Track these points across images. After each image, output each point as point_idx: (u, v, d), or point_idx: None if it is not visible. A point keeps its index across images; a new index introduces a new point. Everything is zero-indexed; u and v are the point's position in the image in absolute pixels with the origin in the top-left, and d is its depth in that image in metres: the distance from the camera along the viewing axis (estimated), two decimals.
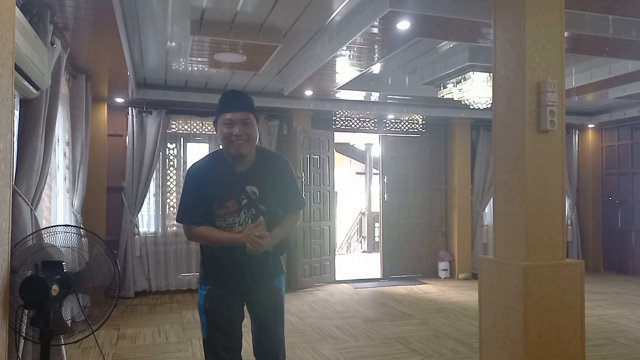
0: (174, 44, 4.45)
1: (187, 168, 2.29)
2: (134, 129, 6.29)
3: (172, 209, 6.61)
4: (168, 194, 6.60)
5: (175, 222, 6.59)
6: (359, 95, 6.40)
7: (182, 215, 2.19)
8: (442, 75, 5.12)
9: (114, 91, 5.69)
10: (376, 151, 9.87)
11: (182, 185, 6.55)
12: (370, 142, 11.30)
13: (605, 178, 8.30)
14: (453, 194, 7.75)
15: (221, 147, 2.23)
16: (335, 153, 7.99)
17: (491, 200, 6.88)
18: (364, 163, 12.25)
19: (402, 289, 6.83)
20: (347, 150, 12.41)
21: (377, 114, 7.29)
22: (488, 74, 4.83)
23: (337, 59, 4.53)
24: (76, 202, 4.67)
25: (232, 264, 2.17)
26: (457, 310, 5.53)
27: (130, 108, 6.29)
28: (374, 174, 11.23)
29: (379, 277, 7.58)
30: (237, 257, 2.14)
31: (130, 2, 3.50)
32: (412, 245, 7.72)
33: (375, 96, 6.41)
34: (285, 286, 2.42)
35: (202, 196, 2.14)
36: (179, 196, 6.44)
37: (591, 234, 8.26)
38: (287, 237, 2.25)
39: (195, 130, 6.71)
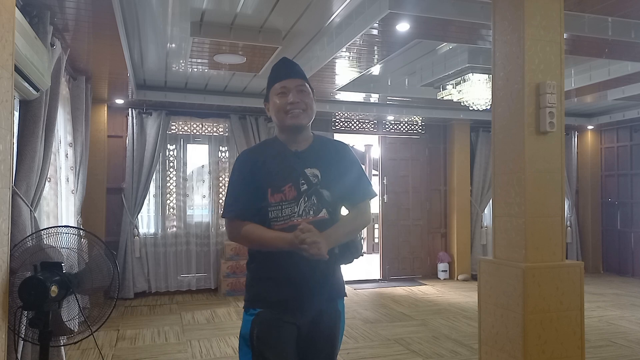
0: (173, 45, 4.45)
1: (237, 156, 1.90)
2: (134, 130, 6.29)
3: (172, 210, 6.61)
4: (168, 195, 6.61)
5: (174, 224, 6.61)
6: (359, 97, 6.40)
7: (226, 209, 1.78)
8: (442, 76, 5.12)
9: (114, 92, 5.69)
10: (375, 152, 9.87)
11: (182, 186, 6.63)
12: (370, 144, 11.29)
13: (604, 179, 8.31)
14: (452, 195, 7.75)
15: (275, 127, 1.88)
16: None
17: (490, 201, 6.88)
18: (363, 164, 12.24)
19: (401, 290, 6.83)
20: None
21: (376, 116, 7.29)
22: (487, 75, 4.84)
23: (337, 61, 4.54)
24: (76, 203, 4.67)
25: (291, 279, 1.72)
26: (456, 312, 5.53)
27: (130, 109, 6.30)
28: (374, 175, 11.22)
29: (378, 278, 7.58)
30: (301, 269, 1.71)
31: (130, 3, 3.50)
32: (411, 247, 7.72)
33: (374, 98, 6.42)
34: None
35: (251, 184, 1.76)
36: (179, 197, 6.61)
37: (590, 235, 8.27)
38: (355, 238, 1.84)
39: (195, 131, 6.71)
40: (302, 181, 1.76)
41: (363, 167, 1.88)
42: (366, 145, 11.72)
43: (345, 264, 1.87)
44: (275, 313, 1.73)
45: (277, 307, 1.74)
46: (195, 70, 5.19)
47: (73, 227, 2.73)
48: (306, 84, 1.84)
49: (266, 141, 1.94)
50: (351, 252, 1.83)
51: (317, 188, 1.77)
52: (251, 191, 1.76)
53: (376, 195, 1.92)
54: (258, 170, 1.77)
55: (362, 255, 1.88)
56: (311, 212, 1.75)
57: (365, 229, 11.50)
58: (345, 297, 1.89)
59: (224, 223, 1.84)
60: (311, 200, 1.76)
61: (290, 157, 1.80)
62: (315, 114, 1.85)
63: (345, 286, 1.90)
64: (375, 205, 10.51)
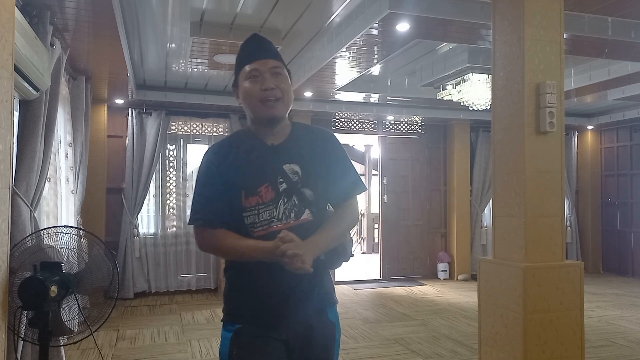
0: (173, 45, 4.45)
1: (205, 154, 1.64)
2: (134, 130, 6.29)
3: (171, 210, 6.61)
4: (168, 195, 6.61)
5: (174, 224, 6.60)
6: (359, 97, 6.40)
7: (193, 216, 1.54)
8: (442, 76, 5.12)
9: (114, 92, 5.69)
10: (375, 152, 9.87)
11: (182, 186, 6.63)
12: (370, 144, 11.30)
13: (604, 179, 8.31)
14: (452, 195, 7.75)
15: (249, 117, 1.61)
16: None
17: (490, 201, 6.88)
18: (363, 164, 12.25)
19: (401, 290, 6.83)
20: (347, 151, 12.37)
21: (376, 116, 7.29)
22: (487, 75, 4.84)
23: (337, 61, 4.54)
24: (76, 203, 4.67)
25: (274, 288, 1.49)
26: (456, 312, 5.52)
27: (130, 109, 6.30)
28: (374, 175, 11.23)
29: (378, 278, 7.57)
30: (281, 277, 1.47)
31: (130, 3, 3.50)
32: (411, 247, 7.72)
33: (374, 98, 6.42)
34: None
35: (221, 186, 1.52)
36: (179, 197, 6.61)
37: (590, 235, 8.27)
38: (343, 240, 1.59)
39: (195, 131, 6.71)
40: (281, 179, 1.52)
41: (352, 161, 1.66)
42: (366, 145, 11.73)
43: (333, 269, 1.64)
44: (257, 329, 1.51)
45: (258, 322, 1.52)
46: (195, 70, 5.19)
47: (73, 227, 2.73)
48: (282, 65, 1.56)
49: (237, 134, 1.66)
50: (339, 256, 1.59)
51: (298, 187, 1.53)
52: (221, 194, 1.52)
53: (366, 189, 1.68)
54: (228, 170, 1.53)
55: (353, 256, 1.69)
56: (292, 215, 1.52)
57: (365, 229, 11.53)
58: (337, 304, 1.66)
59: (193, 232, 1.59)
60: (292, 201, 1.52)
61: (266, 152, 1.55)
62: (292, 102, 1.59)
63: (345, 286, 1.75)
64: (375, 205, 10.52)
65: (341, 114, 7.22)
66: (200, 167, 1.60)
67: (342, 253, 1.60)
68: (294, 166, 1.54)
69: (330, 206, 1.64)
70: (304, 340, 1.53)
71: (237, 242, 1.49)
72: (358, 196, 1.67)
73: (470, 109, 5.44)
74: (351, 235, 1.69)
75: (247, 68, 1.54)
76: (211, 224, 1.52)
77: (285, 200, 1.52)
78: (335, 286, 2.24)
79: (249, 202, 1.51)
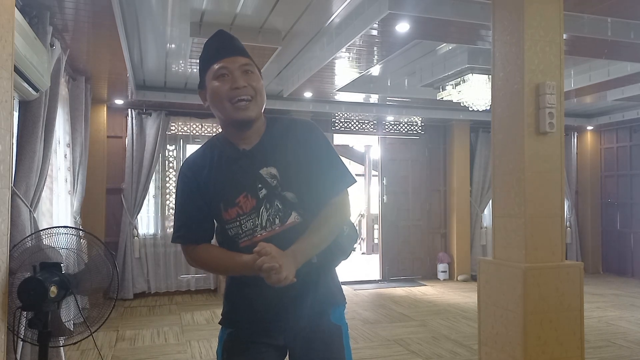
0: (173, 45, 4.45)
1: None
2: (134, 131, 6.29)
3: (171, 210, 6.60)
4: (167, 196, 6.61)
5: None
6: (358, 97, 6.41)
7: (174, 234, 1.51)
8: (441, 77, 5.12)
9: (114, 93, 5.69)
10: (375, 153, 9.87)
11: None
12: (370, 144, 11.30)
13: (604, 180, 8.31)
14: (452, 195, 7.75)
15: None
16: None
17: (490, 202, 6.89)
18: (363, 165, 12.25)
19: (401, 290, 6.83)
20: (346, 152, 12.41)
21: (376, 116, 7.29)
22: (487, 76, 4.84)
23: (337, 61, 4.54)
24: (75, 204, 4.67)
25: (266, 294, 1.39)
26: (456, 312, 5.52)
27: (129, 110, 6.30)
28: (373, 175, 11.23)
29: (378, 278, 7.57)
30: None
31: (130, 3, 3.50)
32: (411, 247, 7.72)
33: (374, 98, 6.42)
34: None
35: (199, 201, 1.48)
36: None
37: (590, 235, 8.27)
38: (338, 238, 1.47)
39: (194, 132, 6.71)
40: (260, 185, 1.43)
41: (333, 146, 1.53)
42: (366, 145, 11.73)
43: (332, 268, 1.56)
44: (249, 335, 1.49)
45: (251, 327, 1.49)
46: (195, 70, 5.18)
47: (72, 227, 2.73)
48: (253, 63, 1.45)
49: (211, 141, 1.55)
50: (334, 255, 1.50)
51: (278, 191, 1.43)
52: (200, 208, 1.47)
53: (354, 181, 1.51)
54: (204, 183, 1.47)
55: (354, 250, 1.56)
56: (277, 221, 1.43)
57: (365, 230, 11.52)
58: (344, 305, 1.57)
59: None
60: (275, 207, 1.43)
61: (239, 158, 1.45)
62: (265, 101, 1.47)
63: (345, 287, 1.64)
64: (375, 206, 10.51)
65: (341, 115, 7.22)
66: (177, 183, 1.55)
67: (339, 252, 1.51)
68: (271, 169, 1.43)
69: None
70: (304, 345, 1.49)
71: (220, 258, 1.45)
72: (354, 193, 1.56)
73: (470, 109, 5.44)
74: (354, 224, 1.58)
75: (215, 66, 1.42)
76: (192, 240, 1.48)
77: (268, 206, 1.43)
78: None
79: (228, 215, 1.44)
